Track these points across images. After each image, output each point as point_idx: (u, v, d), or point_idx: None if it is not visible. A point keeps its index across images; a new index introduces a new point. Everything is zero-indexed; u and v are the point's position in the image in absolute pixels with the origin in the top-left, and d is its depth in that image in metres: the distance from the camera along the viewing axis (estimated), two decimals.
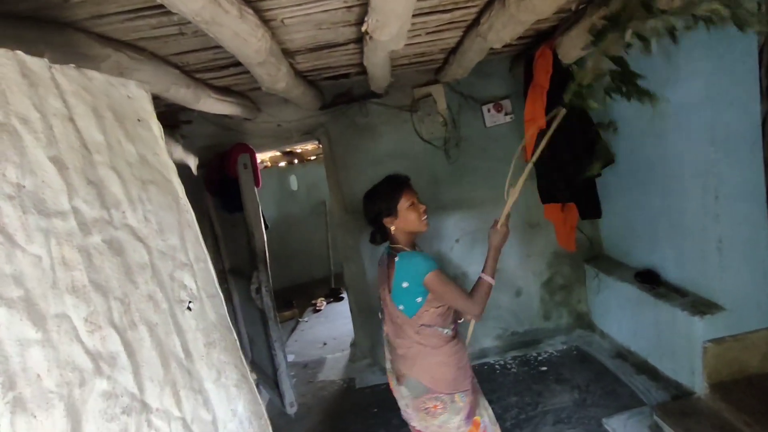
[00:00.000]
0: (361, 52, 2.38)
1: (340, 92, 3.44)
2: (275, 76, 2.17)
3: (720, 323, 2.41)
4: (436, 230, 3.59)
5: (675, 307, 2.58)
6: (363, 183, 2.20)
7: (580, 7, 2.18)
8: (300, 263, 6.74)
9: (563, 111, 1.90)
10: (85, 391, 0.82)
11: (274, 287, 3.03)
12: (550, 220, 3.06)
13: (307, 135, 3.58)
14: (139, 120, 1.16)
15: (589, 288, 3.68)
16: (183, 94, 2.24)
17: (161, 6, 1.29)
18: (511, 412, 2.88)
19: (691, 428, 2.29)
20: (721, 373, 2.43)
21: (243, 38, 1.59)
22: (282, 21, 1.85)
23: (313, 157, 6.73)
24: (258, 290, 2.95)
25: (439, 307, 1.69)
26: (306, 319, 5.42)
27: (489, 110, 3.51)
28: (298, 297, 5.96)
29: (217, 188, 3.35)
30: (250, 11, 1.55)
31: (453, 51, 2.79)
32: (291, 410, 3.02)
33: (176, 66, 2.20)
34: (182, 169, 3.22)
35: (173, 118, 3.31)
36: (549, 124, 1.95)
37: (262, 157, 5.96)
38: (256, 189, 3.00)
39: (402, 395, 1.78)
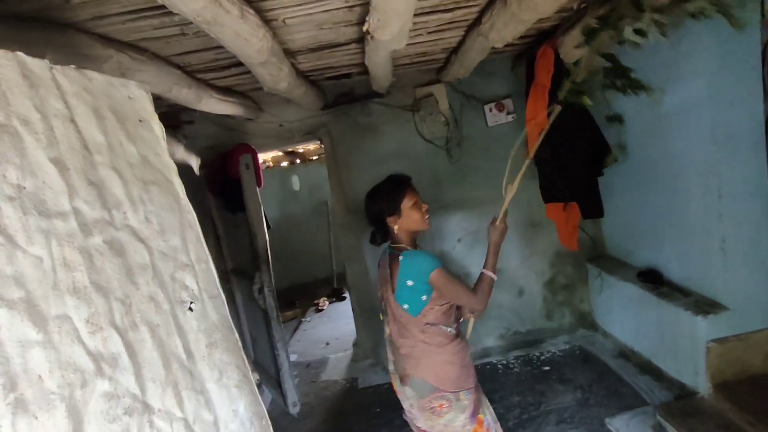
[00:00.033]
0: (363, 52, 2.38)
1: (341, 92, 3.44)
2: (277, 76, 2.17)
3: (723, 323, 2.39)
4: (438, 230, 3.58)
5: (678, 307, 2.57)
6: (365, 183, 2.20)
7: (582, 6, 2.17)
8: (302, 263, 6.74)
9: (558, 108, 1.91)
10: (87, 392, 0.82)
11: (276, 287, 3.03)
12: (552, 219, 3.05)
13: (309, 135, 3.58)
14: (140, 120, 1.16)
15: (592, 287, 3.66)
16: (185, 94, 2.25)
17: (163, 6, 1.29)
18: (513, 411, 2.88)
19: (695, 428, 2.28)
20: (725, 372, 2.41)
21: (244, 38, 1.59)
22: (283, 21, 1.85)
23: (315, 157, 6.73)
24: (260, 290, 2.95)
25: (443, 305, 1.70)
26: (308, 319, 5.43)
27: (491, 110, 3.50)
28: (300, 297, 5.97)
29: (219, 188, 3.36)
30: (252, 11, 1.55)
31: (454, 50, 2.79)
32: (294, 410, 3.03)
33: (178, 66, 2.20)
34: (184, 170, 3.24)
35: (175, 119, 3.32)
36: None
37: (264, 157, 5.96)
38: (258, 189, 3.01)
39: (406, 396, 1.78)
